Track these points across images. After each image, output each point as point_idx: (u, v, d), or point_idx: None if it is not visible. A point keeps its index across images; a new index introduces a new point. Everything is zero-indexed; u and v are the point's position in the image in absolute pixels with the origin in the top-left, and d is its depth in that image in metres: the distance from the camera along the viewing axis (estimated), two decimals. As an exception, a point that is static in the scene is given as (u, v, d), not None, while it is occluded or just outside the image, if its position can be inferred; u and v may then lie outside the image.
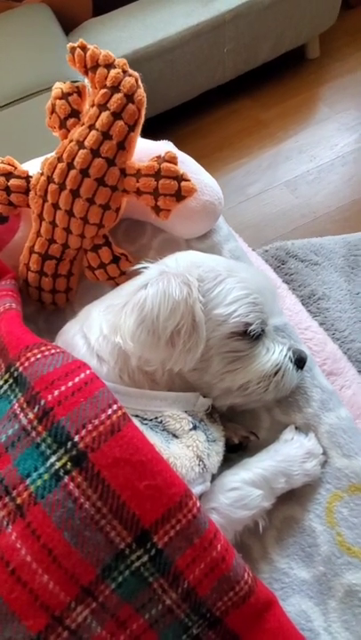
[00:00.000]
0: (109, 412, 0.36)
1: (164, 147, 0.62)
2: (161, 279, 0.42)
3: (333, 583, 0.42)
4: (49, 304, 0.63)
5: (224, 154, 1.68)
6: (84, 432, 0.35)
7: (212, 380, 0.46)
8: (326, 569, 0.43)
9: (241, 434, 0.51)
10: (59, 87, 0.54)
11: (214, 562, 0.36)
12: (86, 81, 0.54)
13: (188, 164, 0.58)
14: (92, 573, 0.33)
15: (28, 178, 0.57)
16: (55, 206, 0.54)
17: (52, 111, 0.55)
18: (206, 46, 1.64)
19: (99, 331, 0.46)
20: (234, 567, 0.37)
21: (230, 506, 0.41)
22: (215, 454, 0.43)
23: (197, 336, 0.42)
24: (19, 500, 0.33)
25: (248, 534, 0.45)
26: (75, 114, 0.54)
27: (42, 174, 0.54)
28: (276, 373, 0.47)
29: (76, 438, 0.35)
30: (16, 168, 0.58)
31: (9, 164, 0.57)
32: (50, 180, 0.53)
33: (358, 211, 1.50)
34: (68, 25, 1.63)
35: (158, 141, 0.63)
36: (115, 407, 0.37)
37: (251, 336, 0.45)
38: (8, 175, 0.57)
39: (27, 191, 0.57)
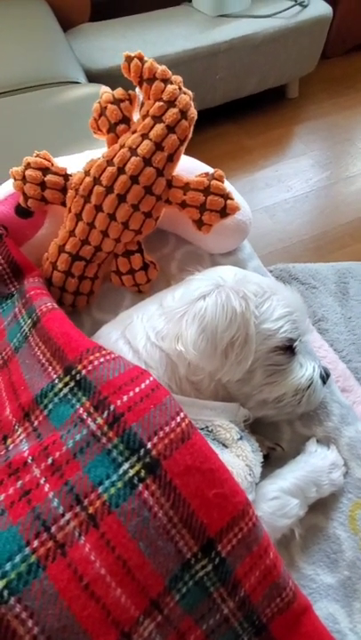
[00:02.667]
0: (178, 419, 0.36)
1: (193, 164, 0.64)
2: (219, 292, 0.44)
3: (358, 586, 0.45)
4: (68, 305, 0.61)
5: (208, 174, 1.74)
6: (156, 439, 0.34)
7: (252, 392, 0.48)
8: (351, 573, 0.46)
9: (268, 445, 0.53)
10: (109, 92, 0.54)
11: (268, 569, 0.38)
12: (137, 90, 0.55)
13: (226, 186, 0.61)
14: (161, 585, 0.33)
15: (66, 175, 0.55)
16: (97, 208, 0.53)
17: (101, 114, 0.54)
18: (200, 71, 1.71)
19: (145, 338, 0.46)
20: (282, 574, 0.39)
21: (273, 514, 0.43)
22: (259, 464, 0.45)
23: (248, 349, 0.44)
24: (91, 510, 0.32)
25: (275, 543, 0.47)
26: (125, 120, 0.54)
27: (87, 175, 0.53)
28: (308, 387, 0.50)
29: (149, 445, 0.34)
30: (53, 164, 0.56)
31: (45, 159, 0.56)
32: (96, 181, 0.52)
33: (329, 241, 1.63)
34: (64, 24, 1.60)
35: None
36: (182, 415, 0.37)
37: (292, 351, 0.48)
38: (45, 170, 0.55)
39: (63, 189, 0.55)
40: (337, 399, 0.56)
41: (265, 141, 1.96)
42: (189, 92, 0.54)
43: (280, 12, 1.74)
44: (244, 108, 1.96)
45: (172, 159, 0.53)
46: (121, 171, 0.51)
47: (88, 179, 0.53)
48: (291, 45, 1.80)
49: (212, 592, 0.35)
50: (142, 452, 0.34)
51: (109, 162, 0.52)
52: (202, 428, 0.43)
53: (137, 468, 0.33)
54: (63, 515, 0.31)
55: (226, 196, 0.53)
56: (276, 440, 0.54)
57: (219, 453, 0.40)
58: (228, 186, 0.60)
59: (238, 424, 0.47)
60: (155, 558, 0.32)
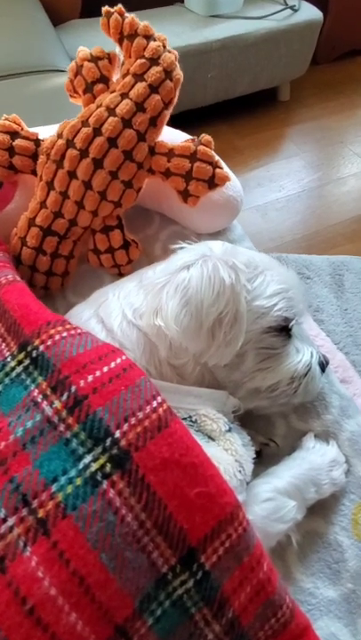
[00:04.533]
0: (154, 404, 0.30)
1: (179, 135, 0.59)
2: (205, 262, 0.38)
3: (364, 602, 0.39)
4: (40, 288, 0.55)
5: (199, 172, 1.72)
6: (126, 426, 0.29)
7: (242, 379, 0.42)
8: (356, 586, 0.40)
9: (260, 440, 0.47)
10: (86, 50, 0.49)
11: (261, 584, 0.32)
12: (118, 50, 0.50)
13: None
14: (130, 606, 0.27)
15: (37, 141, 0.50)
16: (71, 175, 0.48)
17: (77, 73, 0.49)
18: (191, 69, 1.69)
19: (121, 316, 0.41)
20: (278, 590, 0.33)
21: (266, 518, 0.37)
22: (250, 460, 0.39)
23: (239, 327, 0.39)
24: (41, 513, 0.26)
25: (269, 552, 0.41)
26: (103, 79, 0.49)
27: (59, 137, 0.48)
28: (306, 374, 0.44)
29: (118, 434, 0.28)
30: (23, 128, 0.51)
31: (15, 123, 0.50)
32: (70, 144, 0.47)
33: (321, 240, 1.60)
34: (54, 19, 1.58)
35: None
36: (159, 399, 0.31)
37: (287, 332, 0.43)
38: (14, 134, 0.49)
39: (34, 155, 0.50)
40: (336, 390, 0.50)
41: (256, 142, 1.95)
42: (175, 52, 0.49)
43: (271, 15, 1.75)
44: (235, 108, 1.95)
45: (155, 123, 0.48)
46: (97, 132, 0.46)
47: (61, 141, 0.47)
48: (282, 48, 1.80)
49: (193, 613, 0.29)
50: (109, 441, 0.28)
51: (84, 122, 0.47)
52: (184, 418, 0.37)
53: (101, 461, 0.27)
54: (5, 520, 0.25)
55: (214, 164, 0.48)
56: (270, 435, 0.49)
57: (203, 447, 0.34)
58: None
59: (227, 414, 0.41)
60: (121, 574, 0.26)
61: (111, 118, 0.46)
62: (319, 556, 0.42)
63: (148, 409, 0.30)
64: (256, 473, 0.42)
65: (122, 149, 0.47)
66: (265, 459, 0.46)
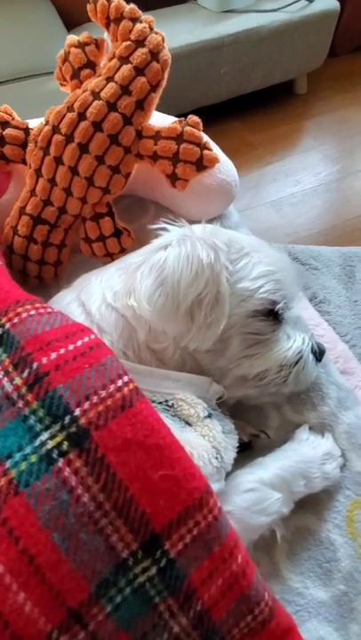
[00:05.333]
0: (119, 382, 0.29)
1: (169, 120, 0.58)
2: (185, 241, 0.37)
3: (356, 604, 0.37)
4: (33, 277, 0.55)
5: (212, 169, 1.70)
6: (87, 405, 0.28)
7: (228, 366, 0.41)
8: (348, 588, 0.37)
9: (250, 431, 0.45)
10: (73, 37, 0.49)
11: (234, 577, 0.30)
12: (106, 35, 0.50)
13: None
14: (85, 591, 0.26)
15: (27, 130, 0.50)
16: (58, 161, 0.48)
17: (65, 60, 0.49)
18: (204, 65, 1.68)
19: (100, 299, 0.40)
20: (255, 585, 0.31)
21: (247, 509, 0.35)
22: (231, 449, 0.37)
23: (220, 310, 0.37)
24: None
25: (254, 547, 0.39)
26: (90, 65, 0.49)
27: (46, 124, 0.48)
28: (297, 363, 0.42)
29: (77, 412, 0.27)
30: (14, 118, 0.51)
31: (6, 113, 0.51)
32: (55, 130, 0.47)
33: (339, 235, 1.55)
34: (68, 23, 1.61)
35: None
36: (125, 379, 0.30)
37: (275, 317, 0.40)
38: (4, 124, 0.50)
39: (24, 144, 0.50)
40: (334, 380, 0.48)
41: (270, 137, 1.92)
42: (162, 33, 0.48)
43: (285, 7, 1.71)
44: (250, 104, 1.93)
45: (142, 107, 0.47)
46: (82, 116, 0.46)
47: (47, 127, 0.47)
48: (297, 40, 1.76)
49: (157, 603, 0.27)
50: (67, 419, 0.27)
51: (70, 107, 0.46)
52: (160, 402, 0.36)
53: (58, 439, 0.27)
54: None
55: (202, 146, 0.47)
56: (262, 427, 0.47)
57: (178, 431, 0.33)
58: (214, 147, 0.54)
59: (209, 401, 0.39)
60: (75, 555, 0.25)
61: (96, 102, 0.45)
62: (310, 554, 0.40)
63: (112, 388, 0.29)
64: (245, 465, 0.40)
65: (107, 133, 0.46)
66: (256, 451, 0.44)
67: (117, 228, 0.53)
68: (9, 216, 0.53)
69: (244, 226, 0.61)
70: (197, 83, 1.69)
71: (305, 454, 0.41)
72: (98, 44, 0.49)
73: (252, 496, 0.36)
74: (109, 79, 0.46)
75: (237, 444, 0.39)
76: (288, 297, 0.42)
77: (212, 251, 0.37)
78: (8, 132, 0.50)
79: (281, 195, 1.65)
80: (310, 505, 0.42)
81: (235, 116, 1.93)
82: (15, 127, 0.50)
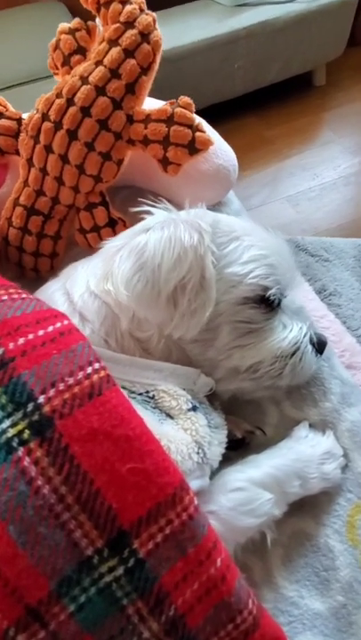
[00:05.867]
0: (89, 369, 0.28)
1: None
2: (167, 223, 0.35)
3: (356, 617, 0.33)
4: (29, 269, 0.55)
5: (227, 165, 1.68)
6: (52, 392, 0.26)
7: (218, 357, 0.38)
8: (347, 599, 0.34)
9: (245, 428, 0.43)
10: (65, 24, 0.49)
11: (212, 581, 0.27)
12: (97, 20, 0.49)
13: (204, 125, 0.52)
14: (44, 588, 0.24)
15: (20, 120, 0.50)
16: (48, 149, 0.47)
17: (56, 47, 0.49)
18: (217, 60, 1.66)
19: (85, 286, 0.38)
20: (236, 591, 0.28)
21: (233, 510, 0.33)
22: (217, 444, 0.35)
23: (206, 295, 0.35)
24: None
25: (247, 552, 0.36)
26: (81, 51, 0.48)
27: (36, 112, 0.47)
28: (293, 354, 0.39)
29: (41, 399, 0.26)
30: (7, 109, 0.51)
31: (0, 104, 0.51)
32: (45, 117, 0.46)
33: (359, 229, 1.48)
34: (83, 24, 1.63)
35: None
36: (97, 366, 0.28)
37: (268, 304, 0.38)
38: (-2, 115, 0.50)
39: (17, 135, 0.50)
40: (338, 375, 0.44)
41: (287, 131, 1.87)
42: (152, 14, 0.46)
43: (301, -3, 1.66)
44: (266, 98, 1.89)
45: (132, 90, 0.46)
46: (70, 102, 0.45)
47: (37, 115, 0.47)
48: (314, 30, 1.71)
49: (125, 605, 0.26)
50: (30, 406, 0.26)
51: (59, 94, 0.46)
52: (140, 393, 0.34)
53: (20, 427, 0.25)
54: None
55: (194, 128, 0.45)
56: (259, 423, 0.44)
57: (156, 424, 0.31)
58: (211, 132, 0.52)
59: (197, 394, 0.37)
60: (33, 550, 0.24)
61: (84, 87, 0.44)
62: (306, 561, 0.36)
63: (80, 375, 0.27)
64: (242, 460, 0.38)
65: (96, 118, 0.45)
66: (252, 449, 0.41)
67: (112, 217, 0.52)
68: (4, 207, 0.53)
69: (245, 215, 0.58)
70: (212, 78, 1.67)
71: (302, 453, 0.38)
72: (89, 30, 0.48)
73: (239, 496, 0.33)
74: (98, 63, 0.45)
75: (226, 440, 0.37)
76: (282, 283, 0.39)
77: (195, 232, 0.35)
78: (1, 122, 0.49)
79: (298, 189, 1.60)
80: (309, 508, 0.38)
81: (251, 111, 1.89)
82: (8, 118, 0.50)
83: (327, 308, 0.57)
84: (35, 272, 0.55)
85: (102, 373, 0.28)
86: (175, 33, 1.57)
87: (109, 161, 0.48)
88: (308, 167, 1.68)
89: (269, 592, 0.36)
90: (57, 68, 0.50)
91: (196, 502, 0.28)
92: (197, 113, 0.46)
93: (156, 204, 0.38)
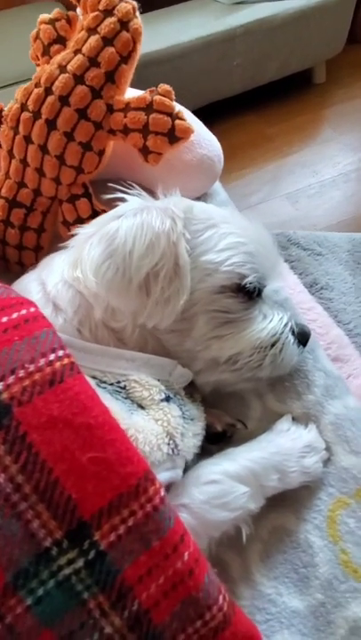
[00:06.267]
0: (51, 357, 0.27)
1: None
2: (140, 210, 0.34)
3: (334, 616, 0.32)
4: (14, 263, 0.55)
5: (227, 163, 1.66)
6: (11, 379, 0.26)
7: (196, 348, 0.37)
8: (326, 597, 0.33)
9: (226, 421, 0.41)
10: (46, 14, 0.48)
11: (178, 576, 0.26)
12: (78, 10, 0.48)
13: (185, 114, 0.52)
14: (0, 579, 0.23)
15: (1, 112, 0.50)
16: (27, 139, 0.46)
17: (36, 38, 0.48)
18: (215, 58, 1.65)
19: (59, 276, 0.38)
20: (205, 586, 0.27)
21: (206, 503, 0.32)
22: (192, 435, 0.34)
23: (180, 283, 0.34)
24: None
25: (225, 547, 0.35)
26: (61, 40, 0.47)
27: (15, 102, 0.47)
28: (273, 345, 0.38)
29: (0, 386, 0.25)
30: (-11, 101, 0.51)
31: (-18, 97, 0.50)
32: (24, 107, 0.46)
33: (359, 226, 1.47)
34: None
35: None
36: (60, 353, 0.28)
37: (246, 293, 0.37)
38: (-21, 107, 0.50)
39: (-2, 127, 0.50)
40: (322, 367, 0.43)
41: (287, 129, 1.86)
42: (133, 2, 0.46)
43: (300, -7, 1.65)
44: (266, 96, 1.88)
45: (112, 79, 0.45)
46: (48, 91, 0.44)
47: (16, 106, 0.46)
48: (313, 27, 1.70)
49: (85, 599, 0.25)
50: None
51: (37, 83, 0.45)
52: (112, 383, 0.33)
53: None
54: None
55: (174, 116, 0.44)
56: (242, 416, 0.43)
57: (126, 414, 0.30)
58: (186, 115, 0.51)
59: (171, 385, 0.36)
60: None
61: (62, 75, 0.44)
62: (285, 557, 0.35)
63: (42, 362, 0.27)
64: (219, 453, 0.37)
65: (74, 107, 0.44)
66: (235, 442, 0.40)
67: (95, 209, 0.52)
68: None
69: (232, 206, 0.57)
70: (210, 76, 1.66)
71: (282, 446, 0.37)
72: (70, 20, 0.48)
73: (212, 488, 0.32)
74: (77, 51, 0.44)
75: (204, 433, 0.36)
76: (261, 271, 0.38)
77: (168, 219, 0.34)
78: (-18, 114, 0.49)
79: (297, 187, 1.59)
80: (289, 502, 0.37)
81: (251, 109, 1.88)
82: (-11, 110, 0.50)
83: (317, 301, 0.56)
84: (19, 266, 0.55)
85: (66, 361, 0.27)
86: (172, 31, 1.57)
87: (90, 151, 0.47)
88: (307, 164, 1.66)
89: (247, 589, 0.35)
90: (38, 59, 0.50)
91: (162, 494, 0.27)
92: (196, 111, 0.45)
93: (130, 191, 0.37)
